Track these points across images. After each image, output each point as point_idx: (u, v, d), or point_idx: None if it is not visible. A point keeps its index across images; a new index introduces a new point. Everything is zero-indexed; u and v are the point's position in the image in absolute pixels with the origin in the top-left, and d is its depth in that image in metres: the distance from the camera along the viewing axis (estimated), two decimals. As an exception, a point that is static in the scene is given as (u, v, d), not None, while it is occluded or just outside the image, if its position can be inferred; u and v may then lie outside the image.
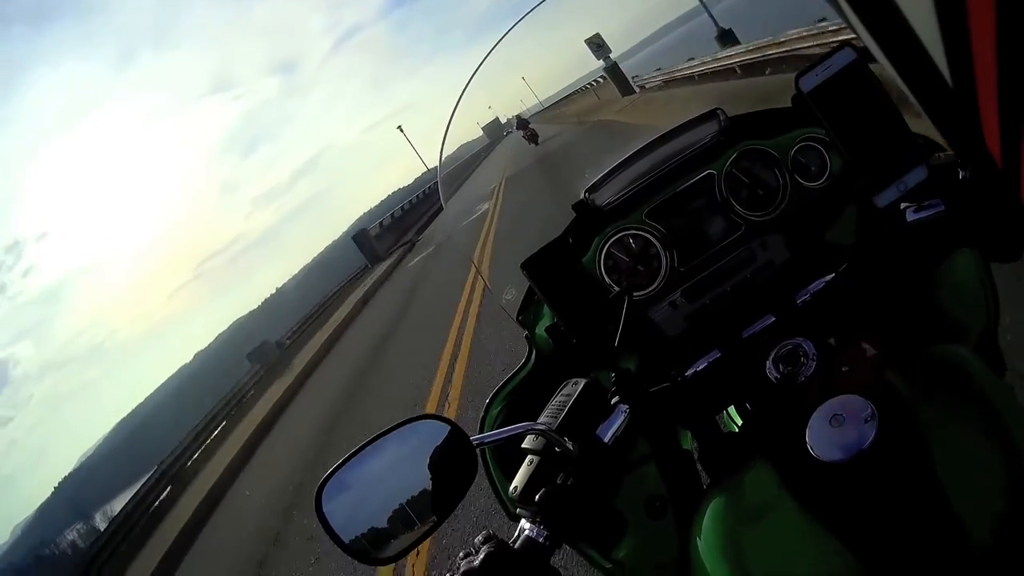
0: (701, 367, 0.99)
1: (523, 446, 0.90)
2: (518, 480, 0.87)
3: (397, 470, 0.85)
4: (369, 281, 20.97)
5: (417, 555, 3.79)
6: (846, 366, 0.85)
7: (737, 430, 1.04)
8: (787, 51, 9.45)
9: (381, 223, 30.14)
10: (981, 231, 0.95)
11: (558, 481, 0.85)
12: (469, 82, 1.41)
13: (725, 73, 12.83)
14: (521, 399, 1.14)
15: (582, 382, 0.93)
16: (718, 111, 1.21)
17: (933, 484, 0.67)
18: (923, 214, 0.94)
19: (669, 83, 17.05)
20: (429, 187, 39.00)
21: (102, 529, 13.67)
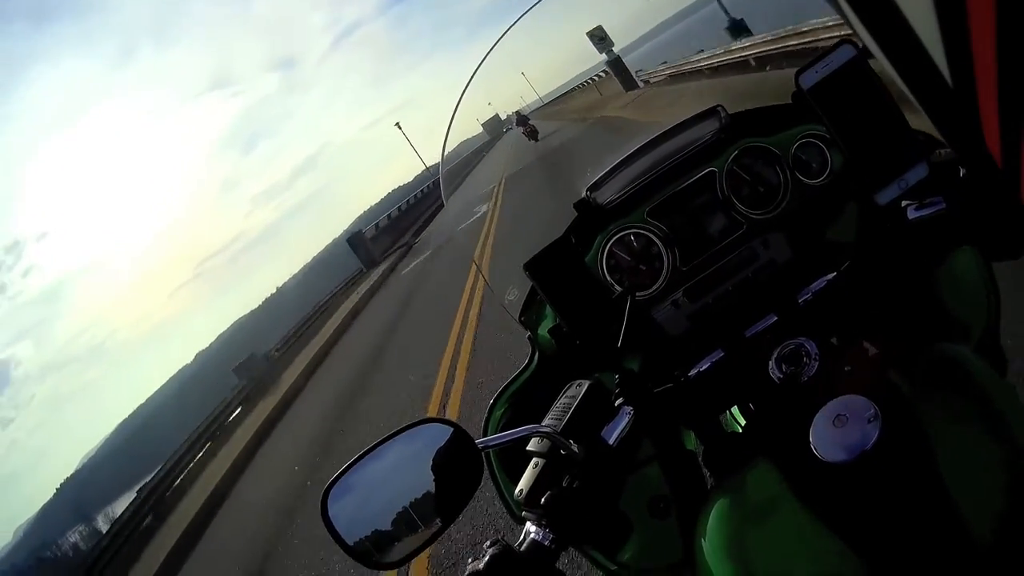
0: (704, 367, 0.99)
1: (528, 448, 0.90)
2: (523, 483, 0.87)
3: (402, 474, 0.84)
4: (364, 287, 20.10)
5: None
6: (849, 366, 0.85)
7: (740, 430, 1.04)
8: (810, 41, 8.70)
9: (377, 225, 28.96)
10: (982, 229, 0.95)
11: (563, 484, 0.84)
12: (470, 81, 1.40)
13: (739, 66, 12.13)
14: (524, 400, 1.14)
15: (586, 384, 0.93)
16: (719, 108, 1.21)
17: (936, 484, 0.67)
18: (924, 212, 0.94)
19: (676, 77, 16.26)
20: (428, 186, 38.22)
21: (103, 532, 13.43)
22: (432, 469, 0.84)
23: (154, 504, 11.49)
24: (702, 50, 14.43)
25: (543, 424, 0.89)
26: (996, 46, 0.36)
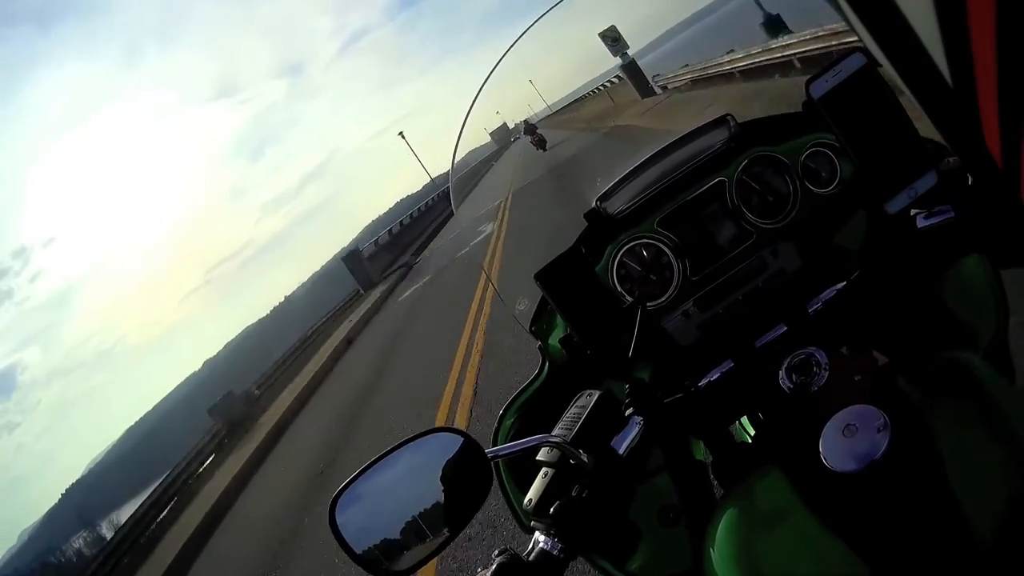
0: (714, 377, 0.99)
1: (537, 458, 0.90)
2: (532, 493, 0.87)
3: (411, 483, 0.85)
4: (356, 315, 18.34)
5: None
6: (858, 375, 0.85)
7: (750, 440, 1.04)
8: (857, 40, 7.96)
9: (376, 241, 27.41)
10: (990, 237, 0.95)
11: (573, 493, 0.84)
12: (480, 90, 1.41)
13: (779, 68, 10.72)
14: (534, 410, 1.14)
15: (596, 393, 0.93)
16: (728, 117, 1.22)
17: (946, 493, 0.67)
18: (933, 220, 0.94)
19: (700, 82, 14.67)
20: (432, 198, 37.60)
21: (107, 540, 13.01)
22: (441, 478, 0.84)
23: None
24: (732, 50, 12.91)
25: (553, 434, 0.89)
26: (996, 47, 0.36)
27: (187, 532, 9.50)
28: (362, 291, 22.64)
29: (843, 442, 0.74)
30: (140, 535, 11.57)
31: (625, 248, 1.18)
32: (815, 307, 0.99)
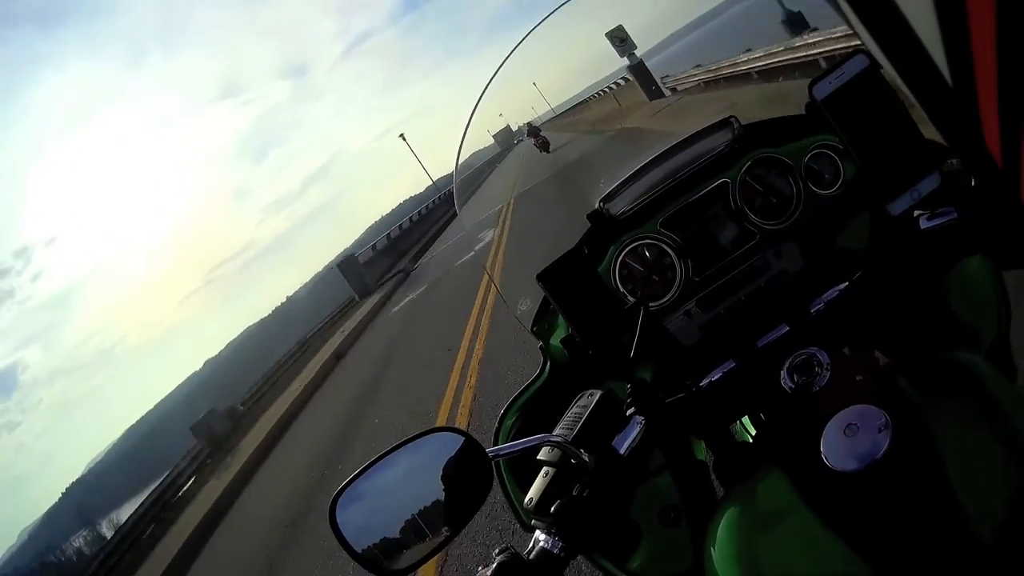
0: (716, 377, 0.99)
1: (538, 458, 0.90)
2: (533, 492, 0.87)
3: (412, 482, 0.85)
4: (350, 324, 17.31)
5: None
6: (860, 375, 0.85)
7: (751, 440, 1.04)
8: None
9: (374, 246, 26.15)
10: (993, 238, 0.95)
11: (574, 493, 0.84)
12: (484, 93, 1.41)
13: (802, 68, 9.97)
14: (536, 410, 1.14)
15: (597, 393, 0.93)
16: (731, 119, 1.22)
17: (947, 493, 0.67)
18: (936, 222, 0.94)
19: (714, 84, 13.87)
20: (433, 201, 36.78)
21: (107, 539, 12.73)
22: (442, 478, 0.84)
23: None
24: (750, 49, 12.13)
25: (554, 433, 0.89)
26: (996, 48, 0.36)
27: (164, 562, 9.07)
28: (357, 298, 21.82)
29: (844, 442, 0.74)
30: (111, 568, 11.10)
31: (628, 249, 1.18)
32: (817, 307, 0.99)
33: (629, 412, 0.92)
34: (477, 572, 0.77)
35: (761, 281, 1.15)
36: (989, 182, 0.43)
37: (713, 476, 1.06)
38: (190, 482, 13.22)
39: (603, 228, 1.22)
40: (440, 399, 6.34)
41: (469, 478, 0.84)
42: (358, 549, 0.82)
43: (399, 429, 6.48)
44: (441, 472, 0.84)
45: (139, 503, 12.90)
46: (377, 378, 10.01)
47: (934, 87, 0.41)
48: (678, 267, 1.17)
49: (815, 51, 9.53)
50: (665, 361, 1.11)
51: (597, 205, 1.23)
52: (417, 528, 0.83)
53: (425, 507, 0.83)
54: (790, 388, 0.90)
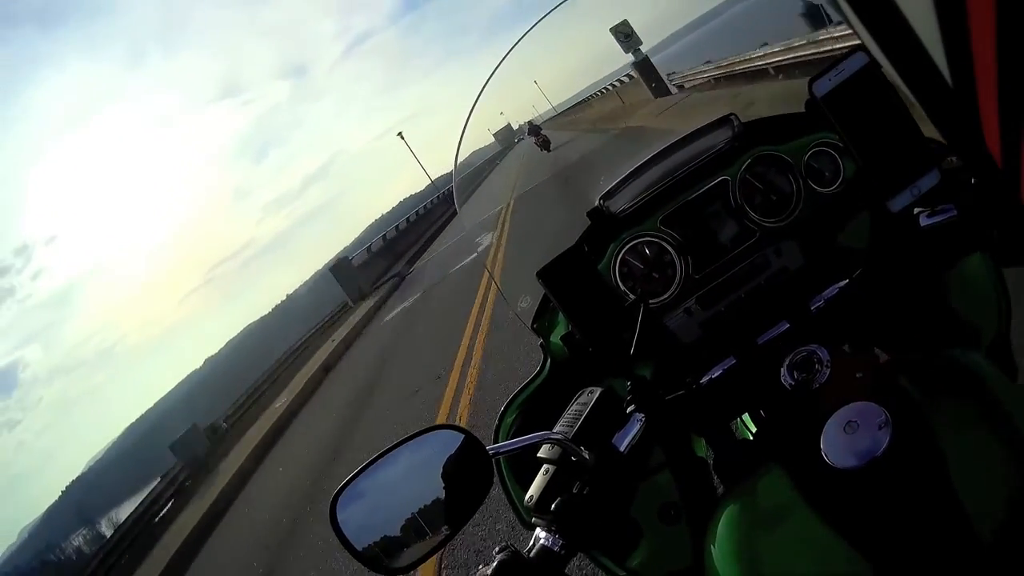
0: (716, 374, 0.99)
1: (539, 455, 0.90)
2: (533, 489, 0.87)
3: (412, 480, 0.85)
4: (341, 332, 16.39)
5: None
6: (860, 372, 0.85)
7: (751, 437, 1.04)
8: None
9: (369, 248, 25.01)
10: (993, 235, 0.95)
11: (574, 490, 0.84)
12: (482, 90, 1.41)
13: (825, 64, 9.44)
14: (536, 407, 1.14)
15: (598, 391, 0.93)
16: (731, 116, 1.22)
17: (947, 490, 0.67)
18: (936, 219, 0.94)
19: (726, 80, 13.13)
20: (432, 201, 35.83)
21: (106, 538, 12.32)
22: (442, 475, 0.84)
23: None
24: (766, 43, 11.50)
25: (554, 431, 0.90)
26: (996, 47, 0.36)
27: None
28: (351, 303, 20.84)
29: (844, 439, 0.75)
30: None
31: (628, 246, 1.18)
32: (817, 305, 0.99)
33: (629, 409, 0.92)
34: (478, 570, 0.77)
35: (761, 278, 1.15)
36: (989, 180, 0.43)
37: (713, 473, 1.06)
38: (169, 505, 12.43)
39: (603, 225, 1.22)
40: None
41: (469, 476, 0.84)
42: (359, 547, 0.82)
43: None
44: (441, 470, 0.84)
45: (124, 517, 12.31)
46: (362, 405, 9.02)
47: (933, 85, 0.41)
48: (678, 264, 1.17)
49: (842, 45, 8.81)
50: (665, 358, 1.11)
51: (597, 202, 1.23)
52: (417, 526, 0.83)
53: (425, 505, 0.83)
54: (790, 385, 0.90)
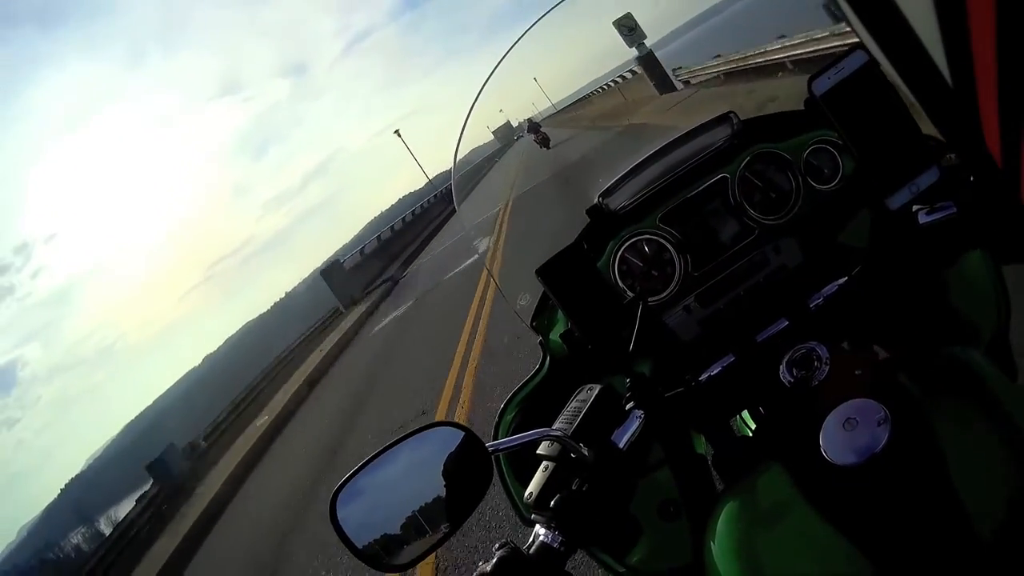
0: (715, 371, 0.99)
1: (538, 452, 0.90)
2: (533, 486, 0.88)
3: (412, 477, 0.85)
4: (330, 341, 15.64)
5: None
6: (859, 369, 0.85)
7: (751, 434, 1.04)
8: None
9: (362, 250, 24.04)
10: (992, 233, 0.95)
11: (573, 487, 0.84)
12: (483, 88, 1.41)
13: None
14: (535, 405, 1.14)
15: (597, 388, 0.93)
16: (731, 114, 1.22)
17: (946, 488, 0.67)
18: (935, 216, 0.94)
19: (738, 75, 12.24)
20: (429, 200, 34.93)
21: (105, 535, 11.96)
22: (442, 473, 0.84)
23: None
24: (783, 36, 10.59)
25: (553, 428, 0.90)
26: (996, 47, 0.36)
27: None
28: (343, 308, 19.96)
29: (844, 436, 0.74)
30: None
31: (627, 244, 1.18)
32: (816, 302, 0.99)
33: (628, 406, 0.92)
34: (477, 567, 0.77)
35: (760, 276, 1.16)
36: (988, 177, 0.43)
37: (712, 470, 1.07)
38: (144, 530, 11.75)
39: (602, 223, 1.22)
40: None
41: (469, 473, 0.84)
42: (359, 545, 0.82)
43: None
44: (441, 467, 0.84)
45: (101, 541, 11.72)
46: (341, 440, 8.20)
47: (932, 83, 0.41)
48: (677, 262, 1.17)
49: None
50: (664, 356, 1.11)
51: (596, 200, 1.23)
52: (417, 524, 0.83)
53: (425, 503, 0.83)
54: (789, 382, 0.90)
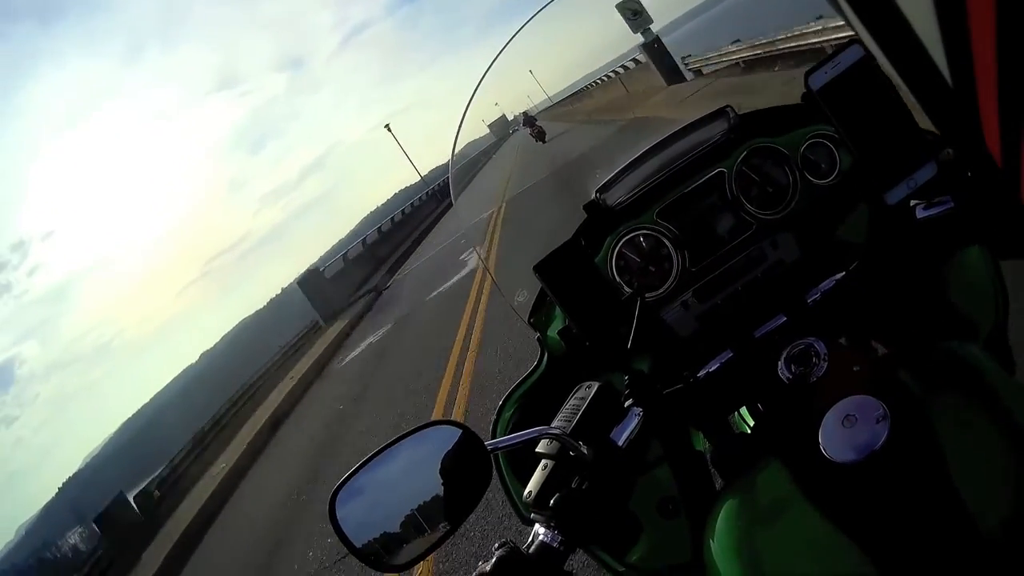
0: (713, 368, 0.99)
1: (537, 450, 0.90)
2: (532, 485, 0.87)
3: (411, 476, 0.84)
4: (302, 367, 13.51)
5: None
6: (857, 366, 0.85)
7: (749, 431, 1.04)
8: None
9: (345, 255, 21.95)
10: (990, 228, 0.95)
11: (572, 485, 0.84)
12: (480, 83, 1.40)
13: None
14: (533, 402, 1.14)
15: (595, 385, 0.93)
16: (727, 108, 1.22)
17: (945, 484, 0.67)
18: (933, 211, 0.94)
19: (761, 63, 10.71)
20: (420, 197, 32.14)
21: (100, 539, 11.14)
22: (440, 471, 0.84)
23: None
24: (821, 16, 8.91)
25: (552, 426, 0.89)
26: (996, 47, 0.36)
27: None
28: (322, 323, 18.00)
29: (843, 432, 0.74)
30: None
31: (624, 239, 1.18)
32: (814, 297, 0.99)
33: (627, 404, 0.92)
34: (477, 567, 0.77)
35: (758, 271, 1.15)
36: (986, 172, 0.43)
37: (712, 467, 1.07)
38: None
39: (600, 218, 1.21)
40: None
41: (468, 472, 0.84)
42: (358, 544, 0.82)
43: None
44: (440, 466, 0.84)
45: None
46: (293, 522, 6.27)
47: (929, 77, 0.41)
48: (675, 257, 1.17)
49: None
50: (662, 352, 1.11)
51: (593, 195, 1.23)
52: (416, 523, 0.82)
53: (424, 501, 0.83)
54: (788, 379, 0.90)
